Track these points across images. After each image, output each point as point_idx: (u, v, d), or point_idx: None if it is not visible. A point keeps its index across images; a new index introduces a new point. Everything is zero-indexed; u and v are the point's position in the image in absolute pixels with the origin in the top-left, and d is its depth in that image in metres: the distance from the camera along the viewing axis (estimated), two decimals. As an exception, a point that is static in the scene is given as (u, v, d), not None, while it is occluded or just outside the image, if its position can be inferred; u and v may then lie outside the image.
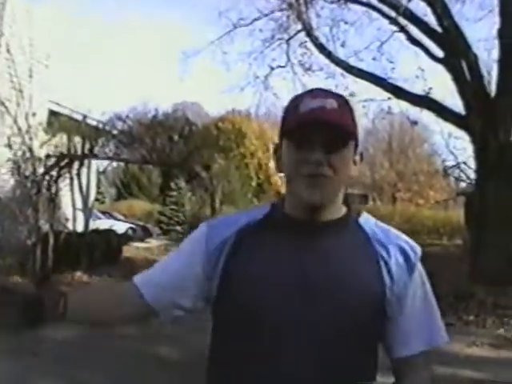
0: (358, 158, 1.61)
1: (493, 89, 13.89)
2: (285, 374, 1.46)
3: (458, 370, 6.83)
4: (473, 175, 16.04)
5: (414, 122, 18.58)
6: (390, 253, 1.58)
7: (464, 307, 10.41)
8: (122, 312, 1.67)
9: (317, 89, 1.58)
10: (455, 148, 19.57)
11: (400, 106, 16.71)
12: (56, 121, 13.75)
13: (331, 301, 1.49)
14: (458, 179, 22.28)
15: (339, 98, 1.55)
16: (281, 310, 1.48)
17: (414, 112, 17.38)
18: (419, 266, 1.63)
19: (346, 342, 1.51)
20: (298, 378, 1.46)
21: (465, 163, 17.96)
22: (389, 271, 1.56)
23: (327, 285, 1.50)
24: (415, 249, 1.63)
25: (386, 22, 15.85)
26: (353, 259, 1.56)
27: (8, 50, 12.89)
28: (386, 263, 1.56)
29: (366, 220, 1.66)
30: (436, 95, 15.21)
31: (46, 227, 12.56)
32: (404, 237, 1.65)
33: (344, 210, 1.64)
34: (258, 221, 1.61)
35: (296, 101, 1.55)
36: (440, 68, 14.79)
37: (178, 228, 30.46)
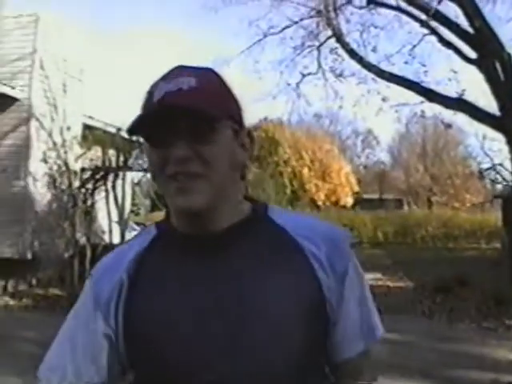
0: (246, 139, 1.29)
1: (528, 89, 13.71)
2: None
3: (501, 375, 6.70)
4: (509, 177, 15.84)
5: (448, 125, 18.44)
6: (318, 243, 1.27)
7: (505, 312, 10.25)
8: None
9: (176, 67, 1.27)
10: (490, 150, 19.45)
11: (433, 109, 16.58)
12: (90, 134, 13.90)
13: (256, 325, 1.19)
14: (494, 181, 22.01)
15: (202, 73, 1.24)
16: (191, 345, 1.19)
17: (448, 115, 17.24)
18: (352, 253, 1.33)
19: (287, 369, 1.20)
20: None
21: (501, 165, 17.74)
22: (322, 267, 1.25)
23: (246, 308, 1.19)
24: (345, 235, 1.34)
25: (416, 25, 15.75)
26: (273, 266, 1.23)
27: (42, 66, 13.07)
28: (317, 258, 1.25)
29: (277, 213, 1.33)
30: (469, 97, 15.07)
31: (82, 240, 12.68)
32: (327, 223, 1.37)
33: (247, 208, 1.31)
34: (148, 247, 1.30)
35: (151, 88, 1.25)
36: (473, 69, 14.65)
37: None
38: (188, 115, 1.15)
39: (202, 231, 1.24)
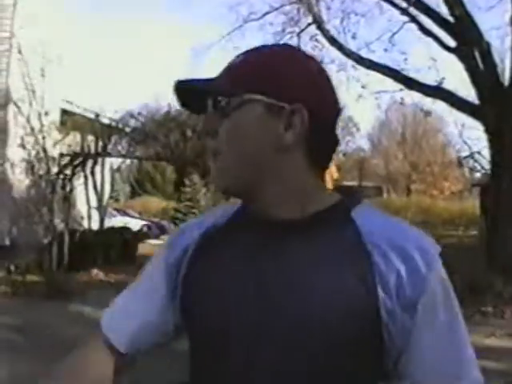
0: (293, 117, 1.13)
1: (506, 77, 13.80)
2: None
3: (478, 361, 6.79)
4: (487, 165, 15.97)
5: (428, 113, 18.48)
6: (390, 258, 1.10)
7: (482, 299, 10.36)
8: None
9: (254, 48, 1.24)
10: (469, 138, 19.54)
11: (413, 97, 16.65)
12: (69, 120, 13.82)
13: (298, 325, 1.11)
14: (472, 169, 22.19)
15: (254, 51, 1.20)
16: (241, 327, 1.15)
17: (427, 103, 17.30)
18: (436, 278, 1.12)
19: (321, 373, 1.11)
20: None
21: (479, 153, 17.88)
22: (385, 285, 1.09)
23: (288, 302, 1.12)
24: (429, 255, 1.12)
25: (397, 12, 15.77)
26: (330, 268, 1.12)
27: (20, 51, 12.94)
28: (381, 273, 1.10)
29: (363, 213, 1.19)
30: (449, 85, 15.14)
31: (61, 226, 12.63)
32: (417, 236, 1.16)
33: (328, 200, 1.21)
34: (226, 220, 1.28)
35: None
36: (453, 58, 14.71)
37: (193, 224, 30.52)
38: (207, 94, 1.17)
39: (267, 217, 1.18)
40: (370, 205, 1.23)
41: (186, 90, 1.19)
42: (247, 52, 1.20)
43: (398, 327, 1.09)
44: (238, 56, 1.19)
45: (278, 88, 1.13)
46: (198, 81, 1.18)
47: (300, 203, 1.17)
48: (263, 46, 1.22)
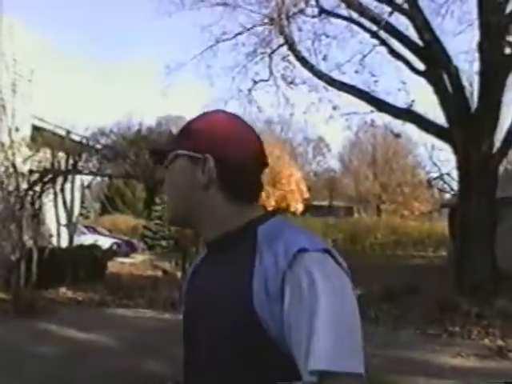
0: (207, 165, 1.43)
1: (475, 101, 14.03)
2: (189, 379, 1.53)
3: (444, 380, 6.85)
4: (456, 186, 16.15)
5: (397, 135, 18.72)
6: (264, 257, 1.30)
7: (449, 318, 10.45)
8: None
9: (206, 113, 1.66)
10: (439, 159, 19.78)
11: (383, 118, 16.82)
12: (39, 136, 13.71)
13: (207, 322, 1.43)
14: (441, 190, 22.44)
15: (201, 118, 1.56)
16: (189, 328, 1.53)
17: (398, 124, 17.50)
18: (300, 273, 1.24)
19: (218, 360, 1.37)
20: None
21: (448, 174, 18.11)
22: (258, 279, 1.27)
23: (205, 304, 1.45)
24: (289, 249, 1.27)
25: (367, 35, 15.98)
26: (230, 275, 1.37)
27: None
28: (257, 270, 1.29)
29: (267, 226, 1.40)
30: (419, 108, 15.35)
31: (29, 243, 12.50)
32: (292, 237, 1.32)
33: (241, 221, 1.44)
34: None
35: None
36: (422, 81, 14.93)
37: (163, 243, 30.42)
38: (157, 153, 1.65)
39: (204, 239, 1.53)
40: (278, 218, 1.46)
41: (154, 151, 1.70)
42: (195, 119, 1.55)
43: (271, 318, 1.26)
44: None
45: (197, 144, 1.47)
46: (160, 145, 1.68)
47: (216, 227, 1.47)
48: (205, 113, 1.58)
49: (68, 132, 14.41)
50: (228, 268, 1.40)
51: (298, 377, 1.21)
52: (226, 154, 1.44)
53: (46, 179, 12.80)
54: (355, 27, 16.46)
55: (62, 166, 13.02)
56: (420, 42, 14.54)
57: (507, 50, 13.48)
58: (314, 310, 1.20)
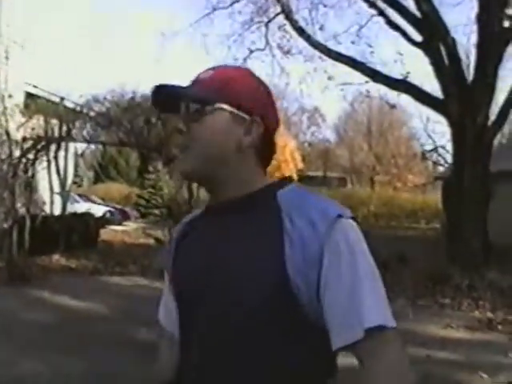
0: (252, 125, 1.41)
1: (471, 73, 13.98)
2: (194, 366, 1.40)
3: (433, 351, 6.90)
4: (451, 159, 16.16)
5: (393, 106, 18.71)
6: (296, 223, 1.29)
7: (440, 290, 10.52)
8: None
9: (220, 65, 1.53)
10: (434, 132, 19.82)
11: (379, 89, 16.78)
12: (33, 103, 13.61)
13: (223, 293, 1.33)
14: (435, 163, 22.51)
15: (222, 68, 1.48)
16: (193, 302, 1.42)
17: (393, 95, 17.49)
18: (339, 238, 1.27)
19: (246, 338, 1.31)
20: (202, 375, 1.37)
21: (443, 147, 18.17)
22: (291, 244, 1.27)
23: (221, 273, 1.34)
24: (327, 215, 1.29)
25: (365, 5, 15.87)
26: (253, 239, 1.33)
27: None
28: (289, 236, 1.28)
29: (288, 192, 1.40)
30: (415, 79, 15.30)
31: (22, 210, 12.48)
32: (324, 204, 1.34)
33: (259, 185, 1.43)
34: (199, 214, 1.57)
35: None
36: (419, 52, 14.85)
37: (156, 211, 30.38)
38: (182, 97, 1.42)
39: (214, 202, 1.46)
40: (297, 186, 1.45)
41: (164, 93, 1.43)
42: (215, 68, 1.46)
43: (306, 282, 1.26)
44: (207, 70, 1.46)
45: (241, 102, 1.40)
46: (177, 87, 1.42)
47: (238, 189, 1.41)
48: (227, 66, 1.52)
49: (62, 99, 14.29)
50: (247, 231, 1.36)
51: (323, 348, 1.29)
52: (267, 117, 1.43)
53: (39, 146, 12.72)
54: (353, -4, 16.35)
55: (56, 134, 12.93)
56: (418, 13, 14.43)
57: (506, 23, 13.39)
58: (356, 272, 1.27)
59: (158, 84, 1.43)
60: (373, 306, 1.24)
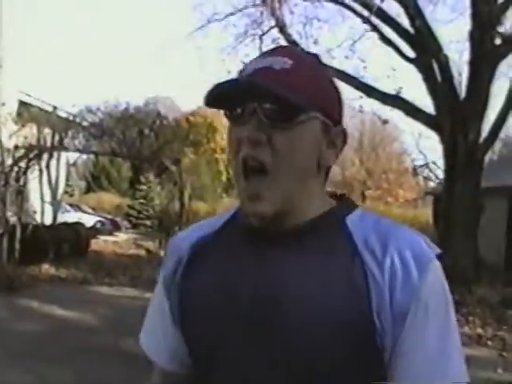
0: (338, 137, 1.17)
1: (463, 90, 14.06)
2: None
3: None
4: (441, 175, 16.23)
5: (385, 121, 18.72)
6: (384, 263, 1.07)
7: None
8: None
9: (280, 46, 1.23)
10: (425, 148, 19.86)
11: (371, 104, 16.84)
12: (26, 111, 13.59)
13: (284, 333, 1.08)
14: (426, 178, 22.56)
15: (301, 56, 1.16)
16: (232, 345, 1.13)
17: (385, 111, 17.57)
18: (430, 286, 1.07)
19: None
20: None
21: (434, 163, 18.19)
22: (379, 290, 1.05)
23: (282, 311, 1.08)
24: (422, 256, 1.08)
25: (358, 20, 15.94)
26: (325, 274, 1.09)
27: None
28: (375, 279, 1.06)
29: (358, 218, 1.16)
30: (407, 95, 15.38)
31: (13, 219, 12.44)
32: (412, 238, 1.12)
33: (324, 207, 1.18)
34: (217, 230, 1.26)
35: (246, 64, 1.16)
36: (411, 68, 14.94)
37: (147, 222, 30.39)
38: (268, 97, 1.07)
39: (266, 226, 1.14)
40: (362, 209, 1.21)
41: (242, 87, 1.10)
42: (287, 54, 1.14)
43: (389, 333, 1.06)
44: (274, 55, 1.13)
45: (333, 106, 1.16)
46: (266, 83, 1.08)
47: (309, 212, 1.15)
48: (294, 49, 1.24)
49: (54, 108, 14.30)
50: (316, 264, 1.10)
51: None
52: (344, 125, 1.20)
53: (31, 155, 12.71)
54: (347, 12, 16.43)
55: (48, 143, 12.92)
56: (411, 29, 14.54)
57: (498, 41, 13.51)
58: (448, 325, 1.11)
59: (235, 79, 1.12)
60: (459, 362, 1.10)
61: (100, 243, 20.75)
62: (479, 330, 9.09)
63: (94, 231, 21.80)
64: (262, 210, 1.09)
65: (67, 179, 22.11)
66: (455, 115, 13.61)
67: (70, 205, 28.54)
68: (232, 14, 17.86)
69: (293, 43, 16.52)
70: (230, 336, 1.13)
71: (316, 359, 1.06)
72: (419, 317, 1.05)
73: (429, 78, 14.34)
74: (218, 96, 1.10)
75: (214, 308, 1.16)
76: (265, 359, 1.09)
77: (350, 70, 15.96)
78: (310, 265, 1.10)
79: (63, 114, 14.21)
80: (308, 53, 1.23)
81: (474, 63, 13.76)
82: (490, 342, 8.48)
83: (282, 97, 1.05)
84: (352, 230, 1.13)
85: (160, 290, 1.30)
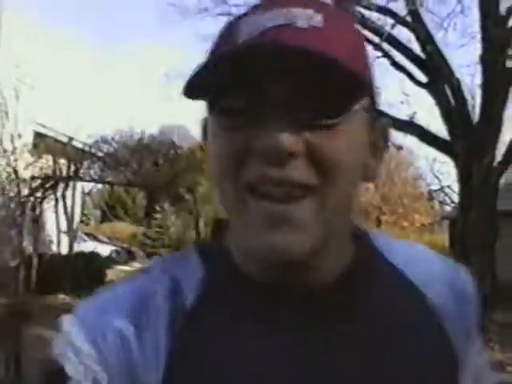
0: (379, 139, 0.81)
1: (476, 113, 14.05)
2: None
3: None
4: (457, 199, 16.16)
5: (400, 147, 18.71)
6: (444, 296, 0.84)
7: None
8: None
9: None
10: (439, 172, 19.81)
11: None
12: (41, 142, 13.73)
13: None
14: (442, 203, 22.48)
15: (329, 9, 0.69)
16: None
17: (399, 136, 17.53)
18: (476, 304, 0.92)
19: None
20: None
21: (449, 187, 18.12)
22: (453, 329, 0.82)
23: None
24: (468, 278, 0.96)
25: (369, 47, 16.00)
26: (399, 341, 0.77)
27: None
28: (451, 325, 0.82)
29: (382, 243, 0.88)
30: (421, 120, 15.35)
31: (29, 249, 12.50)
32: (437, 257, 0.96)
33: (350, 247, 0.82)
34: (196, 298, 0.75)
35: (232, 23, 0.70)
36: (424, 93, 14.95)
37: (163, 251, 30.42)
38: (309, 72, 0.63)
39: (293, 281, 0.74)
40: (374, 230, 0.93)
41: (260, 59, 0.64)
42: (316, 6, 0.68)
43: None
44: (294, 2, 0.68)
45: (375, 92, 0.76)
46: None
47: (340, 257, 0.79)
48: (324, 3, 0.73)
49: (70, 139, 14.43)
50: (375, 336, 0.76)
51: None
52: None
53: (47, 185, 12.81)
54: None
55: (64, 173, 13.02)
56: (422, 55, 14.58)
57: (509, 64, 13.51)
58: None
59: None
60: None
61: (116, 273, 20.74)
62: (499, 356, 8.98)
63: (110, 261, 21.84)
64: (296, 247, 0.67)
65: (83, 208, 22.23)
66: (469, 139, 13.58)
67: (86, 234, 28.64)
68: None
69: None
70: None
71: None
72: (473, 351, 0.89)
73: (442, 102, 14.34)
74: (206, 74, 0.65)
75: None
76: None
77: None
78: (378, 328, 0.77)
79: (78, 145, 14.34)
80: (325, 3, 0.74)
81: (486, 86, 13.76)
82: (510, 368, 8.39)
83: (348, 71, 0.63)
84: (394, 260, 0.85)
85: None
